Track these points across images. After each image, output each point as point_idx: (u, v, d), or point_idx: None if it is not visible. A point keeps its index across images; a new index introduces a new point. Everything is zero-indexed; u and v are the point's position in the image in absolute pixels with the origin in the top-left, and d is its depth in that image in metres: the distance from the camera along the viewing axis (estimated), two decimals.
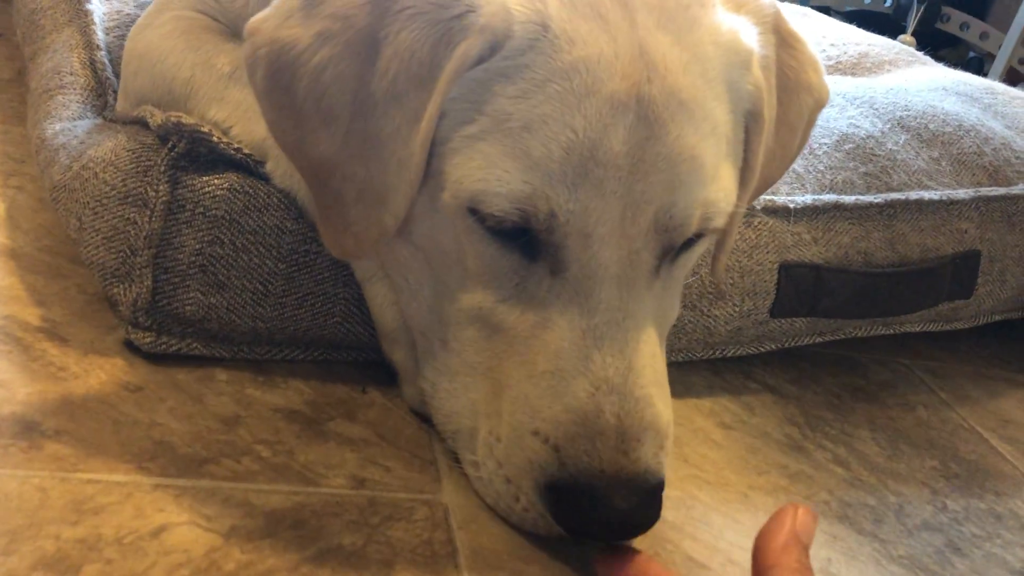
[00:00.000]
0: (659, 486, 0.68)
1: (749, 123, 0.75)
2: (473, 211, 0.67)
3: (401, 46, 0.65)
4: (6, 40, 1.40)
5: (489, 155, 0.66)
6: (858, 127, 1.18)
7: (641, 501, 0.66)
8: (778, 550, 0.63)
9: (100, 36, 1.07)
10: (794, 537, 0.64)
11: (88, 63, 1.04)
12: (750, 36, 0.74)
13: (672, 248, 0.71)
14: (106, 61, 1.04)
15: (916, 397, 1.13)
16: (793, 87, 0.79)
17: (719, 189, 0.70)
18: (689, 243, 0.73)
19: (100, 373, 0.78)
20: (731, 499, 0.85)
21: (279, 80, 0.69)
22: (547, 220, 0.66)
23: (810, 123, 0.84)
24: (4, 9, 1.45)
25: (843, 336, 1.11)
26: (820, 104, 0.83)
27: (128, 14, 1.13)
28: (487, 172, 0.66)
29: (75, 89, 1.01)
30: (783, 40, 0.78)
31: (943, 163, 1.19)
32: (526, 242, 0.68)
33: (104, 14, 1.12)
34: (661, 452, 0.68)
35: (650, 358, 0.70)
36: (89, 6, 1.11)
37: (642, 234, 0.68)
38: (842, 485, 0.92)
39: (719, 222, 0.71)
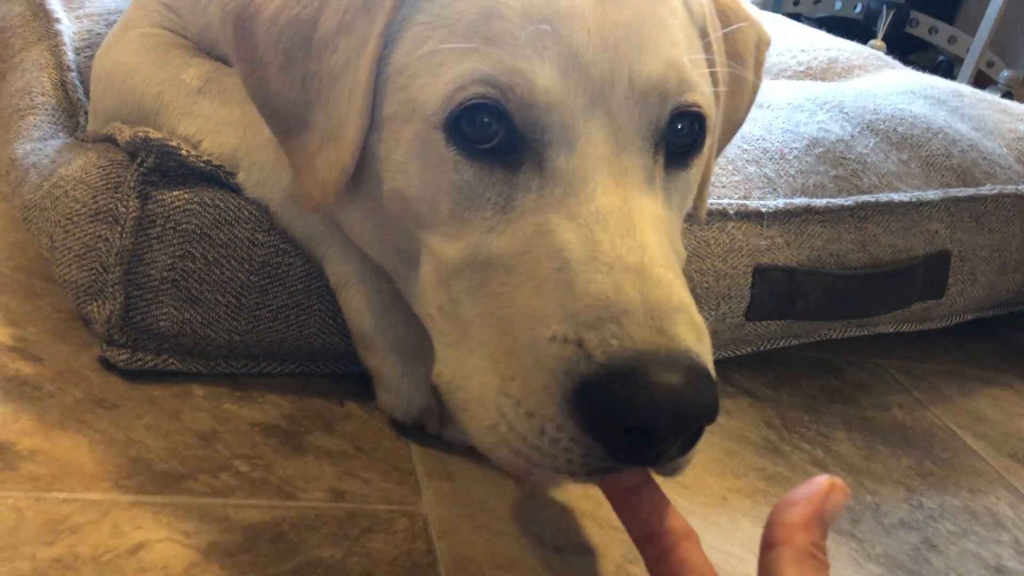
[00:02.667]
0: (707, 372, 0.58)
1: (703, 45, 0.75)
2: (447, 126, 0.65)
3: None
4: None
5: (451, 59, 0.65)
6: (828, 131, 1.20)
7: (692, 379, 0.56)
8: (795, 525, 0.56)
9: (71, 56, 1.07)
10: (818, 515, 0.56)
11: (59, 83, 1.04)
12: None
13: (658, 126, 0.67)
14: (77, 82, 1.04)
15: (891, 397, 1.14)
16: (732, 20, 0.80)
17: (692, 62, 0.68)
18: (682, 154, 0.70)
19: (75, 391, 0.78)
20: (710, 503, 0.85)
21: (244, 31, 0.70)
22: (525, 95, 0.63)
23: (759, 61, 0.85)
24: None
25: (818, 338, 1.12)
26: (763, 40, 0.85)
27: (98, 33, 1.12)
28: (454, 70, 0.64)
29: (46, 110, 1.01)
30: None
31: (912, 165, 1.20)
32: (506, 154, 0.65)
33: (74, 33, 1.11)
34: (703, 343, 0.60)
35: (662, 246, 0.63)
36: (59, 26, 1.11)
37: (624, 104, 0.65)
38: None
39: (698, 99, 0.69)
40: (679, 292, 0.61)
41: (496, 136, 0.65)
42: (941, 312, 1.22)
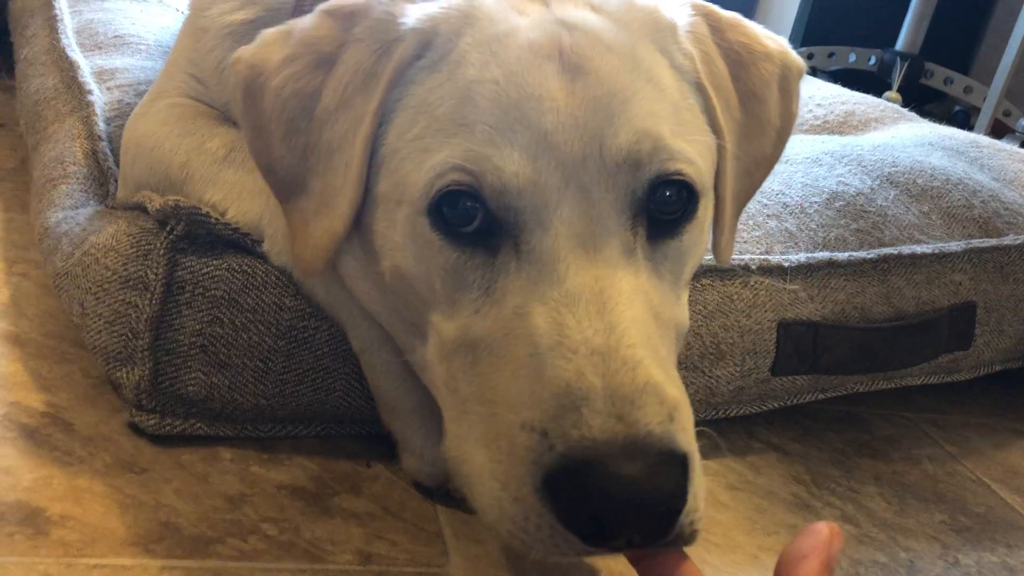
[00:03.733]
0: (674, 455, 0.58)
1: (700, 97, 0.74)
2: (431, 212, 0.66)
3: (350, 62, 0.71)
4: (9, 130, 1.43)
5: (432, 146, 0.67)
6: (847, 184, 1.20)
7: (652, 467, 0.56)
8: None
9: (101, 126, 1.10)
10: (827, 565, 0.56)
11: (90, 153, 1.06)
12: (671, 11, 0.76)
13: (634, 197, 0.67)
14: (107, 151, 1.06)
15: (921, 450, 1.13)
16: (747, 59, 0.80)
17: (672, 130, 0.68)
18: (671, 224, 0.69)
19: (105, 456, 0.78)
20: (741, 561, 0.84)
21: (252, 100, 0.74)
22: (496, 182, 0.64)
23: (785, 92, 0.82)
24: (7, 101, 1.48)
25: (845, 392, 1.12)
26: (789, 69, 0.83)
27: (128, 104, 1.15)
28: (434, 161, 0.66)
29: (77, 179, 1.03)
30: (720, 23, 0.80)
31: (933, 217, 1.21)
32: (487, 237, 0.66)
33: (105, 104, 1.14)
34: (671, 423, 0.59)
35: (636, 323, 0.62)
36: (91, 97, 1.14)
37: (597, 178, 0.65)
38: (851, 543, 0.91)
39: (681, 167, 0.68)
40: (646, 371, 0.60)
41: (477, 219, 0.66)
42: (969, 364, 1.21)
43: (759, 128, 0.80)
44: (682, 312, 0.73)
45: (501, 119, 0.65)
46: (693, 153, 0.70)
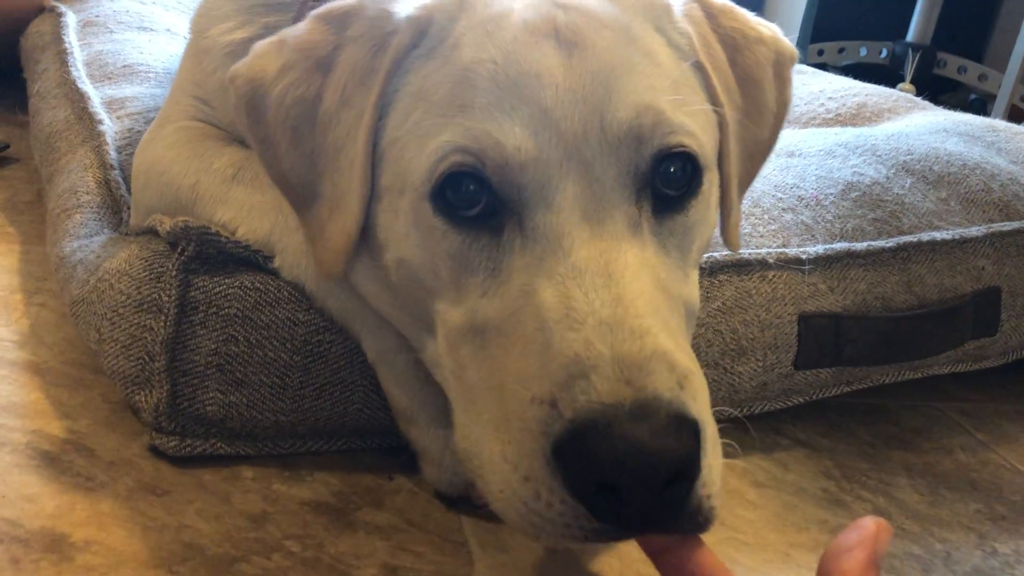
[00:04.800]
0: (681, 418, 0.57)
1: (699, 76, 0.74)
2: (433, 196, 0.66)
3: (348, 62, 0.71)
4: (24, 164, 1.45)
5: (432, 131, 0.67)
6: (863, 175, 1.19)
7: (660, 429, 0.56)
8: (856, 572, 0.55)
9: (113, 155, 1.11)
10: (874, 559, 0.55)
11: (103, 182, 1.07)
12: None
13: (638, 171, 0.66)
14: (120, 179, 1.07)
15: (952, 440, 1.11)
16: (742, 43, 0.80)
17: (672, 104, 0.68)
18: (678, 200, 0.69)
19: (127, 480, 0.78)
20: (772, 559, 0.83)
21: (255, 113, 0.74)
22: (498, 158, 0.64)
23: (780, 77, 0.83)
24: (22, 135, 1.50)
25: (871, 384, 1.10)
26: (783, 54, 0.83)
27: (138, 132, 1.16)
28: (434, 145, 0.66)
29: (91, 208, 1.04)
30: (714, 9, 0.80)
31: (952, 203, 1.19)
32: (490, 218, 0.66)
33: (116, 133, 1.15)
34: (681, 389, 0.59)
35: (644, 295, 0.62)
36: (102, 127, 1.15)
37: (599, 152, 0.65)
38: None
39: (684, 139, 0.68)
40: (655, 340, 0.60)
41: (480, 202, 0.66)
42: (996, 350, 1.18)
43: (757, 112, 0.80)
44: (691, 290, 0.72)
45: (500, 97, 0.65)
46: (695, 127, 0.70)
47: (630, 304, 0.61)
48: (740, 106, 0.79)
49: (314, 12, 0.76)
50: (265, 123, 0.74)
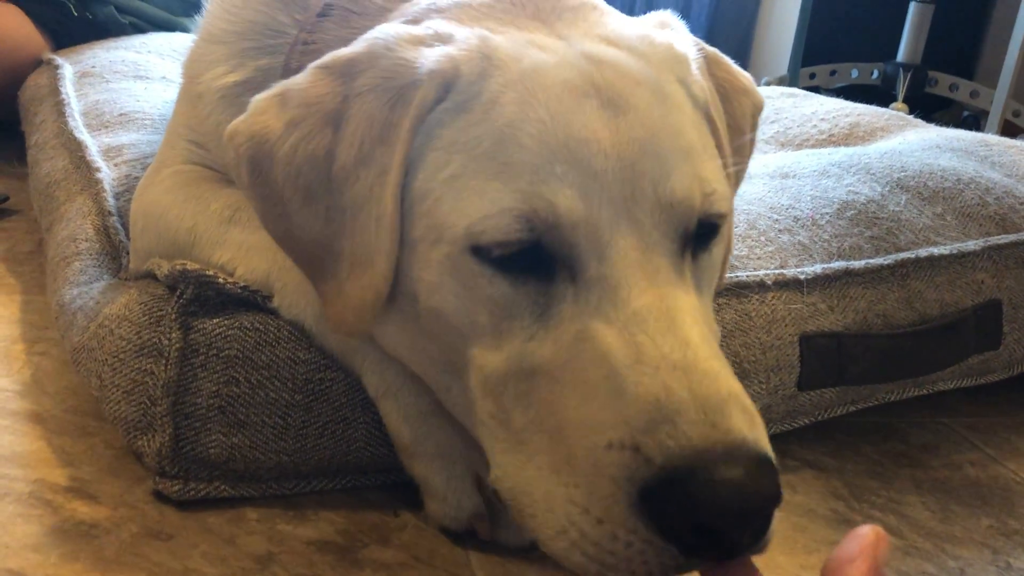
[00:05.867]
0: (767, 459, 0.59)
1: (710, 127, 0.76)
2: (476, 249, 0.66)
3: (362, 116, 0.69)
4: (24, 215, 1.46)
5: (473, 185, 0.66)
6: (857, 193, 1.19)
7: (752, 470, 0.57)
8: None
9: (111, 202, 1.11)
10: (877, 568, 0.55)
11: (101, 229, 1.08)
12: (683, 46, 0.78)
13: (686, 232, 0.68)
14: (118, 225, 1.07)
15: (961, 455, 1.10)
16: (731, 93, 0.83)
17: (710, 167, 0.70)
18: (703, 238, 0.71)
19: (131, 526, 0.78)
20: None
21: (259, 171, 0.72)
22: (550, 218, 0.64)
23: (753, 126, 0.88)
24: (21, 187, 1.51)
25: (876, 402, 1.09)
26: (758, 107, 0.88)
27: (136, 177, 1.17)
28: (478, 200, 0.66)
29: (90, 254, 1.04)
30: (709, 57, 0.83)
31: (948, 218, 1.19)
32: (537, 264, 0.66)
33: (114, 180, 1.16)
34: (756, 428, 0.60)
35: (705, 338, 0.64)
36: (99, 175, 1.16)
37: (649, 213, 0.66)
38: (897, 555, 0.89)
39: (721, 205, 0.70)
40: (727, 382, 0.62)
41: (530, 263, 0.66)
42: (1001, 363, 1.18)
43: (737, 160, 0.83)
44: (716, 325, 0.75)
45: (550, 159, 0.65)
46: (724, 183, 0.72)
47: (698, 348, 0.62)
48: (724, 150, 0.80)
49: (315, 64, 0.74)
50: (271, 181, 0.72)
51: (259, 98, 0.74)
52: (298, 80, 0.74)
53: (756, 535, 0.59)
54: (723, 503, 0.56)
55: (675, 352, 0.61)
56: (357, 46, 0.73)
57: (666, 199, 0.67)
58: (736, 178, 0.86)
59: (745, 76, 0.87)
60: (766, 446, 0.60)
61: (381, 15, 0.81)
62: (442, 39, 0.71)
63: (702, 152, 0.71)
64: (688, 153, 0.69)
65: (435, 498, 0.80)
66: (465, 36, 0.71)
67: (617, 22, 0.77)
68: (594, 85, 0.68)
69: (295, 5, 0.90)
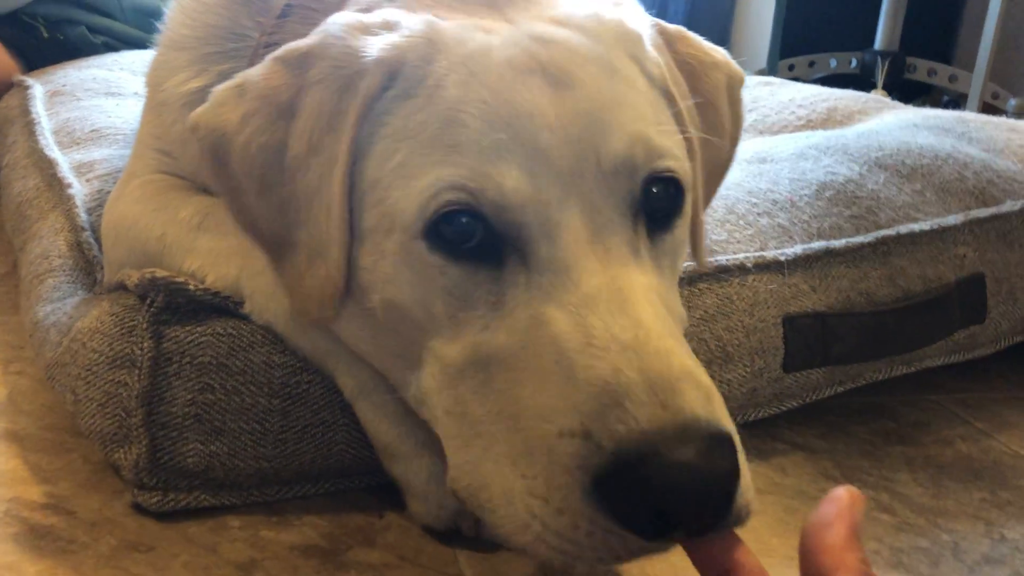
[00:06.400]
0: (722, 436, 0.57)
1: (668, 103, 0.75)
2: (427, 235, 0.65)
3: (313, 106, 0.70)
4: None
5: (421, 171, 0.66)
6: (835, 174, 1.19)
7: (706, 449, 0.56)
8: (842, 547, 0.53)
9: (83, 217, 1.10)
10: (855, 530, 0.54)
11: (74, 244, 1.06)
12: (635, 23, 0.77)
13: (634, 198, 0.67)
14: (91, 240, 1.06)
15: (952, 431, 1.09)
16: (699, 69, 0.82)
17: (657, 131, 0.69)
18: (664, 217, 0.70)
19: (109, 539, 0.76)
20: (776, 565, 0.81)
21: (220, 163, 0.73)
22: (497, 198, 0.64)
23: (733, 100, 0.86)
24: None
25: (864, 382, 1.08)
26: (734, 77, 0.86)
27: (108, 192, 1.15)
28: (425, 182, 0.65)
29: (64, 271, 1.03)
30: (670, 36, 0.82)
31: (927, 194, 1.18)
32: (489, 251, 0.65)
33: (86, 195, 1.15)
34: (712, 404, 0.59)
35: (658, 317, 0.62)
36: (71, 191, 1.14)
37: (597, 187, 0.65)
38: (891, 531, 0.88)
39: (672, 165, 0.69)
40: (680, 360, 0.60)
41: (476, 235, 0.65)
42: (987, 337, 1.17)
43: (716, 135, 0.82)
44: (681, 306, 0.73)
45: (494, 137, 0.64)
46: (678, 151, 0.71)
47: (650, 327, 0.61)
48: (700, 129, 0.80)
49: (272, 55, 0.74)
50: (231, 173, 0.72)
51: (219, 89, 0.75)
52: (256, 72, 0.74)
53: (718, 513, 0.57)
54: (676, 485, 0.55)
55: (625, 333, 0.60)
56: (311, 37, 0.73)
57: (608, 165, 0.66)
58: (718, 157, 0.85)
59: (716, 50, 0.86)
60: (722, 422, 0.59)
61: (340, 8, 0.80)
62: (389, 26, 0.71)
63: (651, 118, 0.70)
64: (634, 118, 0.68)
65: (417, 498, 0.79)
66: (412, 23, 0.71)
67: (569, 4, 0.76)
68: (539, 63, 0.67)
69: (256, 7, 0.89)
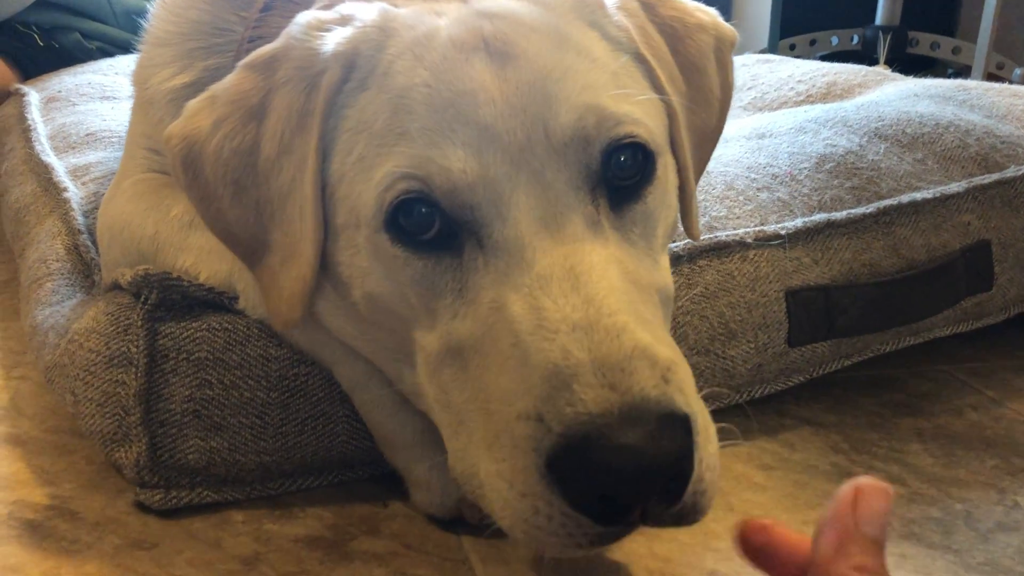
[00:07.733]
0: (671, 416, 0.56)
1: (641, 68, 0.73)
2: (388, 225, 0.65)
3: (282, 107, 0.69)
4: None
5: (377, 162, 0.65)
6: (835, 146, 1.17)
7: (655, 430, 0.55)
8: (828, 558, 0.50)
9: (80, 220, 1.10)
10: (850, 533, 0.50)
11: (72, 248, 1.06)
12: None
13: (591, 172, 0.65)
14: (88, 243, 1.06)
15: (962, 400, 1.08)
16: (682, 32, 0.79)
17: (613, 98, 0.67)
18: (633, 187, 0.68)
19: (113, 538, 0.76)
20: None
21: (193, 170, 0.72)
22: (445, 183, 0.63)
23: (722, 62, 0.83)
24: None
25: (871, 354, 1.07)
26: (723, 39, 0.83)
27: (103, 194, 1.15)
28: (381, 174, 0.65)
29: (62, 274, 1.03)
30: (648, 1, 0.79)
31: (929, 162, 1.17)
32: (449, 239, 0.65)
33: (82, 198, 1.15)
34: (667, 384, 0.57)
35: (614, 292, 0.61)
36: (67, 195, 1.14)
37: (547, 161, 0.64)
38: (902, 502, 0.86)
39: (632, 129, 0.66)
40: (632, 336, 0.59)
41: (434, 224, 0.65)
42: (995, 305, 1.16)
43: (703, 99, 0.80)
44: (663, 276, 0.71)
45: (438, 120, 0.64)
46: (640, 114, 0.68)
47: (601, 303, 0.60)
48: (685, 94, 0.78)
49: (242, 63, 0.74)
50: (204, 180, 0.72)
51: (192, 102, 0.75)
52: (226, 80, 0.74)
53: (668, 498, 0.57)
54: (618, 468, 0.54)
55: (576, 312, 0.59)
56: (278, 40, 0.73)
57: (558, 137, 0.64)
58: (706, 122, 0.81)
59: (702, 11, 0.83)
60: (676, 402, 0.57)
61: (319, 1, 0.80)
62: (345, 20, 0.70)
63: (606, 85, 0.68)
64: (583, 87, 0.66)
65: (419, 487, 0.79)
66: (366, 13, 0.70)
67: None
68: (483, 38, 0.67)
69: (239, 2, 0.89)
